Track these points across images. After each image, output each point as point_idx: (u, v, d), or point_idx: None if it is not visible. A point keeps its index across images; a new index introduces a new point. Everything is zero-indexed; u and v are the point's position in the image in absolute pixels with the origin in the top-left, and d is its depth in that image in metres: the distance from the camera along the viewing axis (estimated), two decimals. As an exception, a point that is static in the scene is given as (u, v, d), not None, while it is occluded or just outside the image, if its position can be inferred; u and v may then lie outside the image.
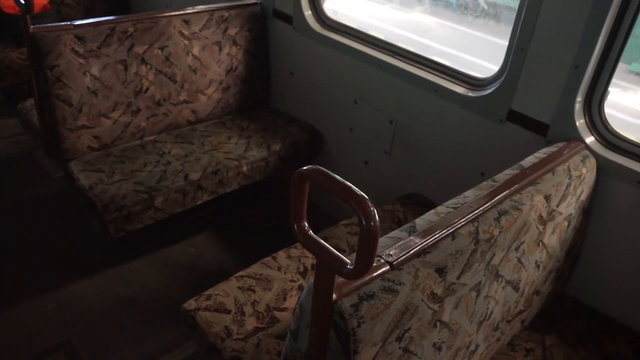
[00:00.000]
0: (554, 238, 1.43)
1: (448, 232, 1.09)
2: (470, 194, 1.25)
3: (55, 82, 1.93)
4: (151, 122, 2.24)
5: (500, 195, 1.23)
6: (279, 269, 1.62)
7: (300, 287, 1.58)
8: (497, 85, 1.71)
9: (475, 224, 1.14)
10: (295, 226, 0.91)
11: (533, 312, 1.53)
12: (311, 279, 0.93)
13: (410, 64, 1.97)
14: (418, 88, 1.93)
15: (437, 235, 1.08)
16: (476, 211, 1.16)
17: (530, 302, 1.47)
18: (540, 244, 1.37)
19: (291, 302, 1.52)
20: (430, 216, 1.16)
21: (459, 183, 1.91)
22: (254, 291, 1.53)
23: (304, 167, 0.86)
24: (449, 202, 1.22)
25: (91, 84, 2.01)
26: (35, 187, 2.70)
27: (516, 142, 1.69)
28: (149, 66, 2.14)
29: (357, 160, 2.30)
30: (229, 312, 1.46)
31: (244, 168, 2.18)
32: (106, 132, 2.13)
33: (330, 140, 2.42)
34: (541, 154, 1.46)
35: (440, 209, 1.20)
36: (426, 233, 1.08)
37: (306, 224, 0.92)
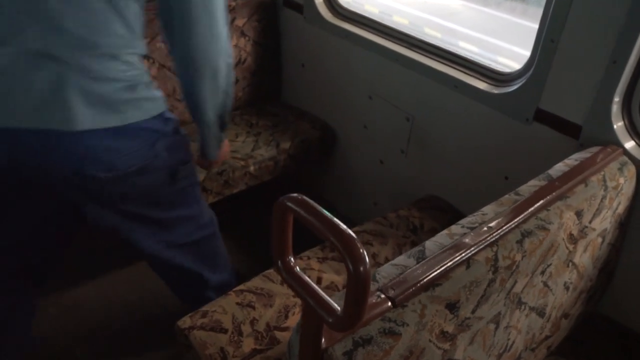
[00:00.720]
0: (585, 257, 1.27)
1: (462, 259, 0.95)
2: (489, 210, 1.10)
3: None
4: None
5: (525, 213, 1.08)
6: (282, 282, 1.51)
7: (305, 303, 1.47)
8: (523, 81, 1.54)
9: (495, 249, 0.99)
10: (280, 262, 0.79)
11: (561, 335, 1.38)
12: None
13: (429, 57, 1.81)
14: (437, 83, 1.77)
15: (449, 263, 0.94)
16: (496, 232, 1.02)
17: (558, 327, 1.32)
18: (570, 264, 1.22)
19: (293, 321, 1.41)
20: (442, 238, 1.02)
21: (480, 186, 1.75)
22: (253, 308, 1.42)
23: (286, 196, 0.73)
24: (465, 221, 1.08)
25: None
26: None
27: (544, 145, 1.52)
28: (151, 60, 2.03)
29: (371, 159, 2.15)
30: (225, 331, 1.35)
31: (252, 168, 2.07)
32: None
33: (343, 138, 2.28)
34: (572, 160, 1.30)
35: (454, 229, 1.05)
36: (437, 261, 0.94)
37: (292, 259, 0.79)
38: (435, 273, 0.91)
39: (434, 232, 1.72)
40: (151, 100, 1.24)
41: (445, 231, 1.06)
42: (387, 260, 1.62)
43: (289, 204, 0.72)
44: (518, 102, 1.55)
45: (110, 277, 2.14)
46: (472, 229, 1.04)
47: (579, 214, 1.16)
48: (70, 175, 1.18)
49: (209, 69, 1.25)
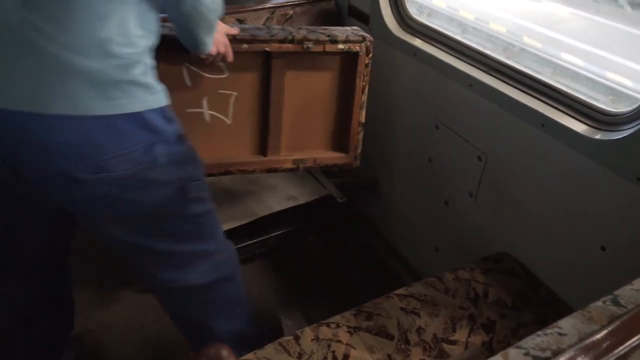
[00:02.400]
0: None
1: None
2: (568, 327, 0.76)
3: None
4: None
5: (625, 346, 0.72)
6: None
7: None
8: (639, 126, 1.15)
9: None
10: None
11: None
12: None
13: (512, 85, 1.45)
14: (519, 118, 1.41)
15: None
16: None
17: None
18: None
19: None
20: (490, 372, 0.70)
21: (567, 252, 1.38)
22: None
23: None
24: (529, 343, 0.74)
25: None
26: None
27: (662, 214, 1.13)
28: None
29: (435, 198, 1.82)
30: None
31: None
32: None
33: (403, 169, 1.97)
34: None
35: (513, 353, 0.73)
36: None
37: None
38: None
39: (499, 304, 1.37)
40: (149, 90, 1.00)
41: (499, 356, 0.73)
42: (435, 338, 1.29)
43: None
44: (628, 154, 1.16)
45: (140, 303, 1.99)
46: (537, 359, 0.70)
47: None
48: (53, 175, 0.98)
49: None
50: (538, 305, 1.40)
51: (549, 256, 1.46)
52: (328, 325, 1.31)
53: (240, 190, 2.07)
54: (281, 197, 2.02)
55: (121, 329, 1.89)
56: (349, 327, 1.31)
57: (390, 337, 1.28)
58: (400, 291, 1.43)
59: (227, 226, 1.87)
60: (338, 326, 1.31)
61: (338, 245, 2.29)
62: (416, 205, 1.95)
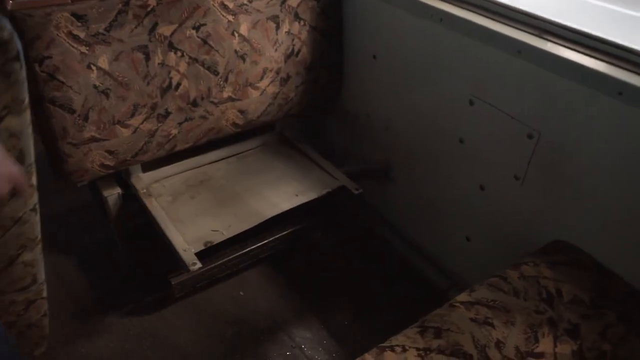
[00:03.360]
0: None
1: None
2: None
3: (47, 81, 1.36)
4: (185, 128, 1.65)
5: None
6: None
7: None
8: None
9: None
10: None
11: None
12: None
13: (574, 49, 1.25)
14: (586, 86, 1.21)
15: None
16: None
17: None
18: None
19: None
20: None
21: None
22: None
23: None
24: None
25: (99, 81, 1.43)
26: (51, 198, 2.21)
27: None
28: (179, 53, 1.53)
29: (467, 184, 1.62)
30: None
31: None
32: (124, 144, 1.56)
33: (425, 152, 1.75)
34: None
35: None
36: None
37: None
38: None
39: (577, 303, 1.20)
40: None
41: None
42: (518, 352, 1.10)
43: None
44: None
45: (131, 327, 1.69)
46: None
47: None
48: None
49: None
50: (617, 300, 1.23)
51: (616, 244, 1.29)
52: (392, 349, 1.09)
53: (239, 187, 1.79)
54: (288, 193, 1.76)
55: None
56: (418, 349, 1.08)
57: (469, 358, 1.07)
58: (463, 298, 1.22)
59: (229, 233, 1.60)
60: (404, 349, 1.09)
61: (349, 241, 2.06)
62: (441, 192, 1.74)
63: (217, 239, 1.56)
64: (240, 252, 1.77)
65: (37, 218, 1.21)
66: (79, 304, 1.76)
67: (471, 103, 1.51)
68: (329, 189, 1.77)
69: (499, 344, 1.11)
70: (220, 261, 1.73)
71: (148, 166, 1.77)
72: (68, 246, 1.98)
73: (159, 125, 1.59)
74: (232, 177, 1.83)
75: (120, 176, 1.77)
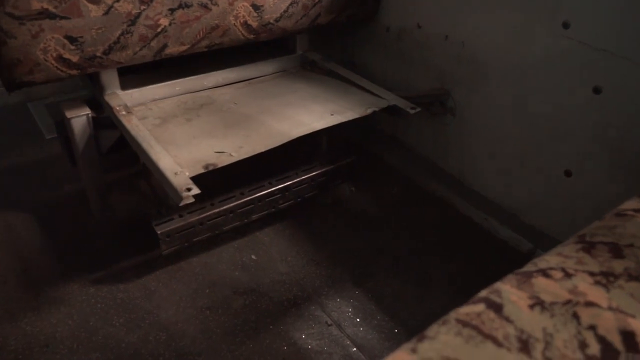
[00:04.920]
0: None
1: None
2: None
3: None
4: (179, 18, 1.20)
5: None
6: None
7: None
8: None
9: None
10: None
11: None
12: None
13: None
14: None
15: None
16: None
17: None
18: None
19: None
20: None
21: None
22: None
23: None
24: None
25: None
26: (22, 152, 1.74)
27: None
28: None
29: (547, 166, 1.15)
30: None
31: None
32: (92, 29, 1.10)
33: (482, 101, 1.28)
34: None
35: None
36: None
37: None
38: None
39: None
40: None
41: None
42: None
43: None
44: None
45: (102, 299, 1.20)
46: None
47: None
48: None
49: None
50: None
51: None
52: (545, 273, 0.60)
53: (254, 109, 1.32)
54: (319, 112, 1.29)
55: (71, 345, 1.09)
56: (592, 273, 0.60)
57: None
58: (633, 204, 0.74)
59: (240, 155, 1.12)
60: (567, 273, 0.60)
61: (388, 194, 1.58)
62: (506, 176, 1.27)
63: (224, 161, 1.08)
64: (253, 196, 1.29)
65: None
66: (32, 271, 1.27)
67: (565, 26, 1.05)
68: (374, 107, 1.30)
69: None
70: (226, 206, 1.25)
71: (130, 82, 1.31)
72: (25, 202, 1.50)
73: (143, 8, 1.14)
74: (244, 100, 1.36)
75: (93, 98, 1.32)
